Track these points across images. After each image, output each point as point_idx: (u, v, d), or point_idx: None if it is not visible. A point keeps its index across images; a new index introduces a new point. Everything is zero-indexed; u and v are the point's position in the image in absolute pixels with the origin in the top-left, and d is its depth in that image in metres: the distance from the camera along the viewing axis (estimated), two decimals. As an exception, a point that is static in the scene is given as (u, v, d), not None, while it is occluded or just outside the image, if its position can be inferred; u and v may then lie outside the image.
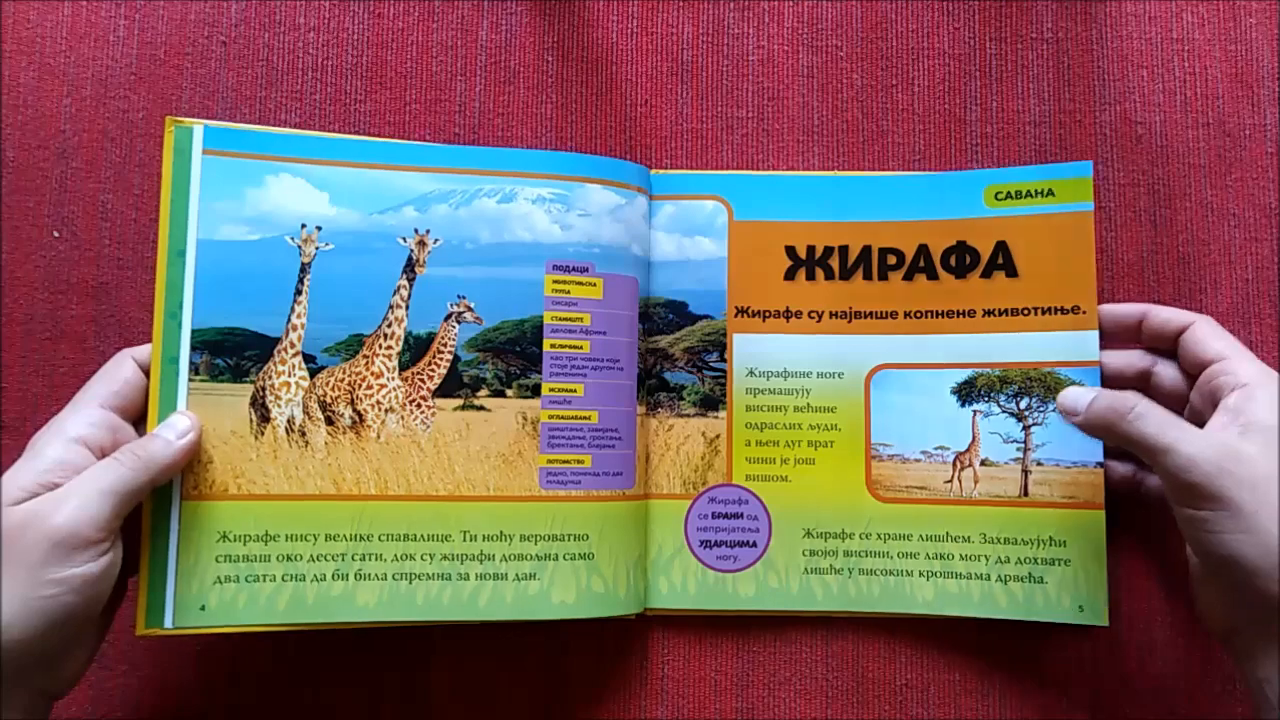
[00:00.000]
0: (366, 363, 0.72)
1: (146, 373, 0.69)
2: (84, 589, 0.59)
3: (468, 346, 0.74)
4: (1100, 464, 0.74)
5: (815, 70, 0.84)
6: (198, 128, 0.71)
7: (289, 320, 0.71)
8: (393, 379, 0.73)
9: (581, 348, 0.75)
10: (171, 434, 0.67)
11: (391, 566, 0.71)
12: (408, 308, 0.73)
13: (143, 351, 0.69)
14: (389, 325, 0.73)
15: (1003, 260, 0.77)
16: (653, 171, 0.80)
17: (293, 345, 0.72)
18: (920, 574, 0.77)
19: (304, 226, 0.72)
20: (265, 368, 0.71)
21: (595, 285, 0.75)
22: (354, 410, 0.72)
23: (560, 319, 0.74)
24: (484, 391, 0.74)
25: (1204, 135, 0.81)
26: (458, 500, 0.72)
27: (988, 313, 0.77)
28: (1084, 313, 0.75)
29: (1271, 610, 0.59)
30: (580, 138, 0.83)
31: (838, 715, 0.78)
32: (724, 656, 0.79)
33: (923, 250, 0.79)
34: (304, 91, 0.82)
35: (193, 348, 0.69)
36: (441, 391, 0.74)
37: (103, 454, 0.64)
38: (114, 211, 0.80)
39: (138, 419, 0.69)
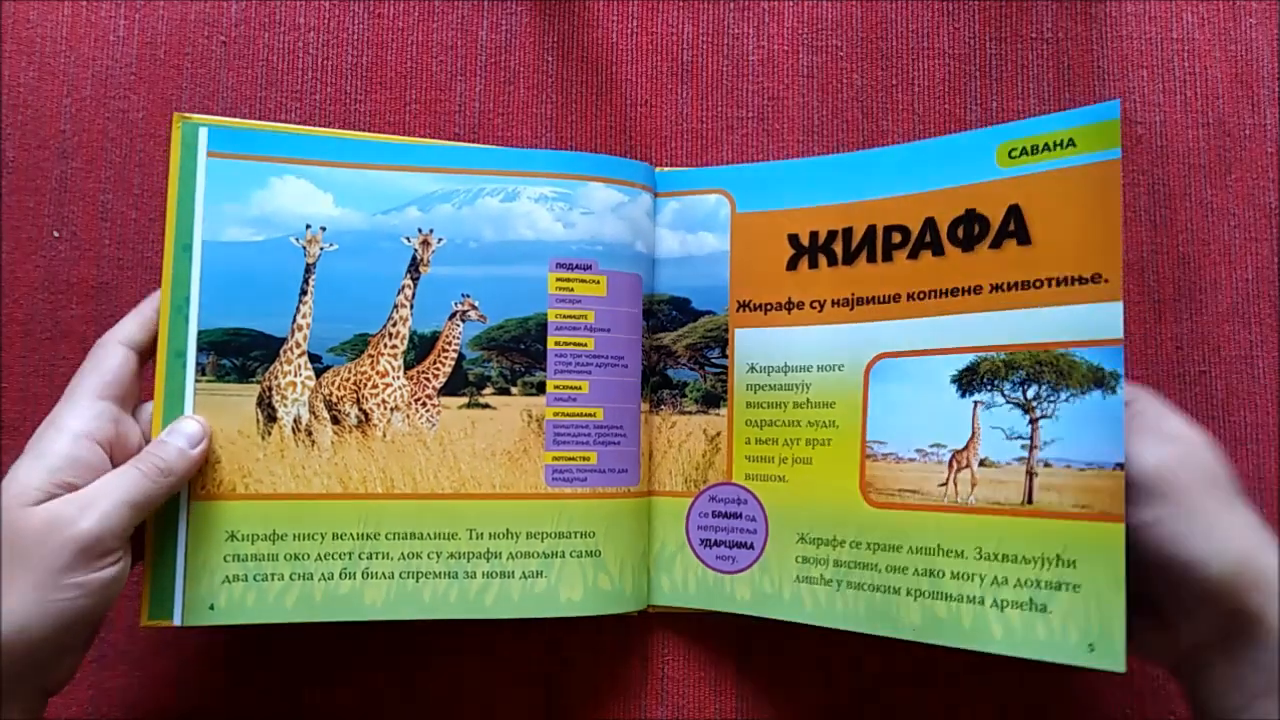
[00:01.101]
0: (372, 362, 0.72)
1: (138, 353, 0.68)
2: (100, 592, 0.60)
3: (472, 345, 0.74)
4: (1119, 465, 0.62)
5: (815, 70, 0.84)
6: (203, 128, 0.71)
7: (294, 321, 0.71)
8: (398, 378, 0.73)
9: (586, 345, 0.75)
10: (185, 442, 0.67)
11: (398, 565, 0.71)
12: (412, 307, 0.73)
13: (125, 332, 0.68)
14: (394, 325, 0.73)
15: (1015, 227, 0.68)
16: (657, 169, 0.80)
17: (298, 345, 0.71)
18: (907, 593, 0.69)
19: (309, 227, 0.72)
20: (271, 368, 0.71)
21: (599, 283, 0.75)
22: (360, 409, 0.72)
23: (564, 316, 0.74)
24: (489, 389, 0.74)
25: (1204, 135, 0.82)
26: (464, 498, 0.72)
27: (995, 288, 0.68)
28: (1106, 281, 0.64)
29: (1219, 611, 0.59)
30: (580, 138, 0.83)
31: (838, 716, 0.78)
32: (724, 656, 0.79)
33: (929, 224, 0.71)
34: (304, 91, 0.82)
35: (199, 348, 0.69)
36: (447, 390, 0.74)
37: (110, 447, 0.64)
38: (114, 211, 0.80)
39: (133, 406, 0.68)
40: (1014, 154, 0.69)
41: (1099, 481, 0.63)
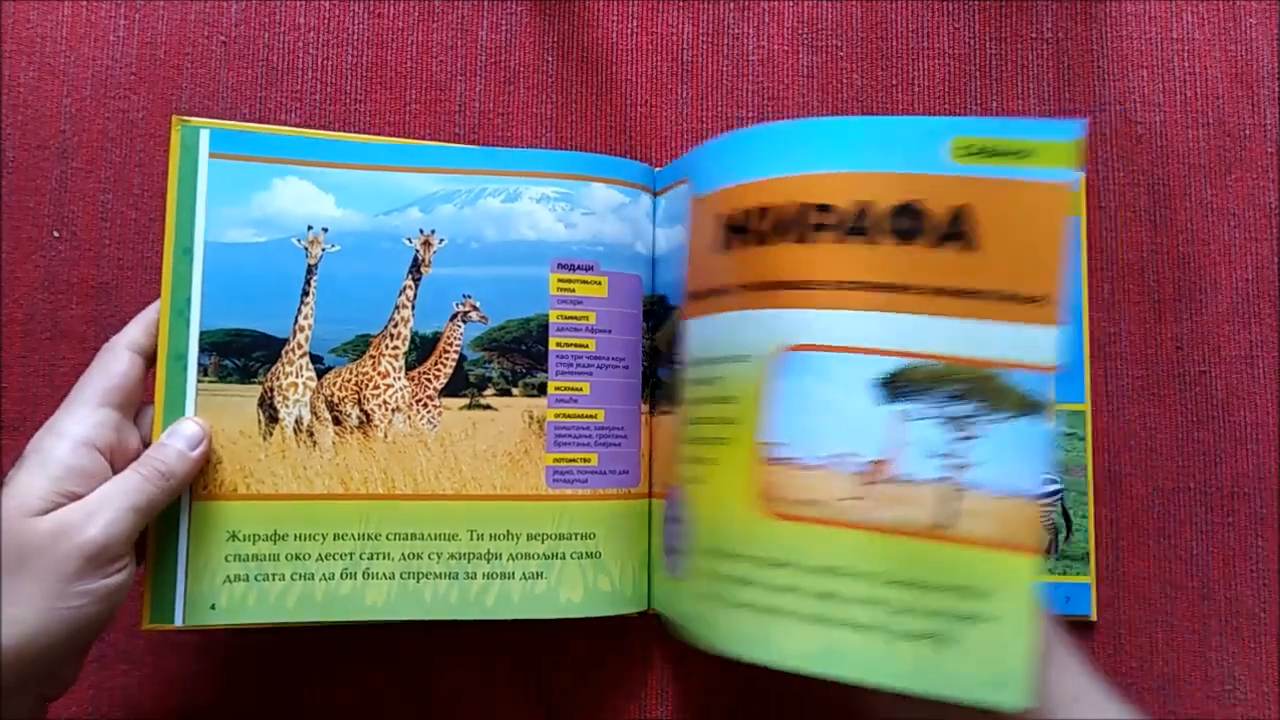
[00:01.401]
0: (373, 363, 0.72)
1: (144, 358, 0.68)
2: (108, 598, 0.60)
3: (474, 346, 0.74)
4: (1041, 497, 0.58)
5: (815, 70, 0.84)
6: (204, 130, 0.70)
7: (296, 322, 0.71)
8: (399, 379, 0.73)
9: (587, 346, 0.75)
10: (184, 444, 0.67)
11: (399, 566, 0.70)
12: (413, 308, 0.73)
13: (131, 337, 0.68)
14: (395, 325, 0.73)
15: (960, 229, 0.60)
16: (657, 169, 0.80)
17: (300, 346, 0.71)
18: (798, 617, 0.60)
19: (310, 228, 0.72)
20: (273, 369, 0.71)
21: (600, 284, 0.75)
22: (361, 410, 0.72)
23: (565, 318, 0.74)
24: (490, 390, 0.74)
25: (1204, 135, 0.82)
26: (465, 499, 0.72)
27: (936, 290, 0.60)
28: (1045, 305, 0.58)
29: None
30: (580, 138, 0.83)
31: (839, 715, 0.78)
32: (724, 656, 0.79)
33: (862, 209, 0.62)
34: (304, 91, 0.82)
35: (201, 349, 0.69)
36: (448, 391, 0.73)
37: (111, 455, 0.64)
38: (114, 211, 0.80)
39: (136, 411, 0.68)
40: (968, 151, 0.61)
41: (1020, 511, 0.57)
